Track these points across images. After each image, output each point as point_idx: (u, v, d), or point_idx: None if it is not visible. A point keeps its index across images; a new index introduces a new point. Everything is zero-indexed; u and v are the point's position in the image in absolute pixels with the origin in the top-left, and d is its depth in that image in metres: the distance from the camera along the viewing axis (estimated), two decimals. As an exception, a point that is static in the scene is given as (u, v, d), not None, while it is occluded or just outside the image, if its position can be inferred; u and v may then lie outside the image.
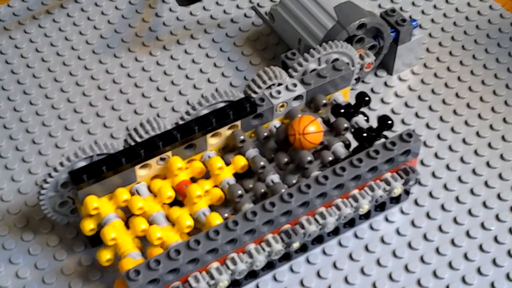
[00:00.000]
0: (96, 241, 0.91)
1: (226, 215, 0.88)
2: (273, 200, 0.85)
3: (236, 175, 0.92)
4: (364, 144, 0.93)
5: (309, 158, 0.90)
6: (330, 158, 0.91)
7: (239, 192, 0.88)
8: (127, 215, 0.90)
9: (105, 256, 0.87)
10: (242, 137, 0.92)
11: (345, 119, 0.94)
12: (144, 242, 0.88)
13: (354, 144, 0.97)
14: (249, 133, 0.95)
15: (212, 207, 0.90)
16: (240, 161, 0.91)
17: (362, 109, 1.01)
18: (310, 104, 0.97)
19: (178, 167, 0.89)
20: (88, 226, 0.88)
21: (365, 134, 0.93)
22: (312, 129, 0.90)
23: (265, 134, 0.94)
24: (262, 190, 0.89)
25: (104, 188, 0.88)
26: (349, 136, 0.97)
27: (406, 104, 1.08)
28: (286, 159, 0.91)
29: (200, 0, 1.14)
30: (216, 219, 0.86)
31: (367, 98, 0.96)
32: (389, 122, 0.94)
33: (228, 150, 0.94)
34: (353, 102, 1.00)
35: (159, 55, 1.15)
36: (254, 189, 0.90)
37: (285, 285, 0.90)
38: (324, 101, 0.96)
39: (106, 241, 0.85)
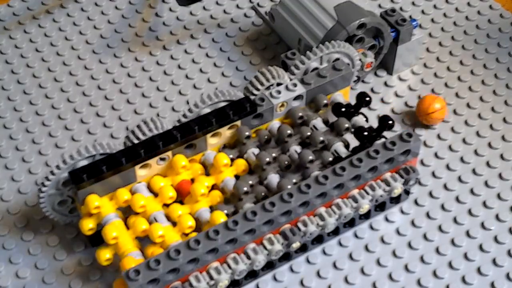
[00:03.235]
0: (96, 241, 0.91)
1: (225, 211, 0.88)
2: (273, 200, 0.85)
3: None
4: (365, 144, 0.93)
5: (310, 158, 0.90)
6: (330, 159, 0.91)
7: (245, 189, 0.88)
8: (126, 215, 0.90)
9: (105, 255, 0.87)
10: (247, 133, 0.92)
11: (346, 119, 0.94)
12: (142, 242, 0.88)
13: (353, 144, 0.96)
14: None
15: (211, 207, 0.90)
16: (241, 164, 0.91)
17: (362, 110, 1.01)
18: (311, 104, 0.97)
19: (182, 165, 0.89)
20: (87, 225, 0.88)
21: (365, 133, 0.93)
22: (437, 106, 1.01)
23: (266, 137, 0.94)
24: (263, 194, 0.89)
25: (104, 188, 0.88)
26: (348, 136, 0.97)
27: (406, 104, 1.08)
28: (287, 162, 0.91)
29: (200, 0, 1.14)
30: (220, 217, 0.86)
31: (367, 98, 0.96)
32: (390, 122, 0.94)
33: (228, 147, 0.94)
34: (353, 102, 1.00)
35: (159, 55, 1.15)
36: (255, 189, 0.90)
37: (285, 285, 0.90)
38: (325, 101, 0.96)
39: (108, 240, 0.85)
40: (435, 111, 1.02)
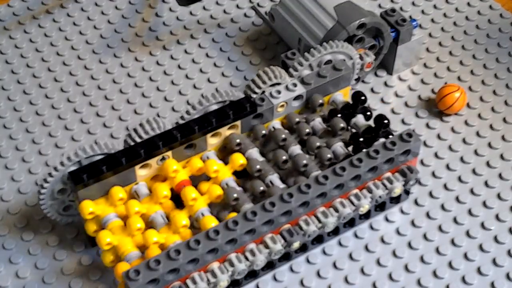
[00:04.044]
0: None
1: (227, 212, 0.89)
2: (273, 200, 0.85)
3: (239, 173, 0.92)
4: (360, 145, 0.93)
5: (304, 162, 0.90)
6: (329, 155, 0.91)
7: (235, 195, 0.88)
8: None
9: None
10: (238, 141, 0.92)
11: (342, 119, 0.94)
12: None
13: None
14: (249, 132, 0.95)
15: (213, 207, 0.90)
16: (238, 159, 0.91)
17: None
18: (308, 105, 0.97)
19: (173, 170, 0.89)
20: (92, 227, 0.88)
21: (361, 139, 0.93)
22: (455, 105, 1.04)
23: (263, 132, 0.94)
24: (261, 188, 0.89)
25: (103, 188, 0.88)
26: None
27: (406, 104, 1.08)
28: (284, 157, 0.91)
29: (200, 0, 1.14)
30: (211, 222, 0.86)
31: (363, 98, 0.96)
32: (385, 121, 0.94)
33: (227, 152, 0.94)
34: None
35: (159, 55, 1.15)
36: (253, 188, 0.90)
37: (285, 285, 0.90)
38: (321, 101, 0.96)
39: (102, 246, 0.85)
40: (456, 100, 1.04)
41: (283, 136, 0.93)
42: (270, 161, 0.93)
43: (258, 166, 0.90)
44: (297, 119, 0.95)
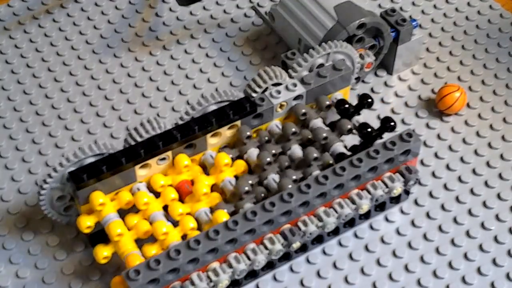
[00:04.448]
0: (96, 240, 0.91)
1: (225, 211, 0.88)
2: (273, 200, 0.85)
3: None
4: (367, 143, 0.93)
5: (315, 155, 0.90)
6: (331, 162, 0.91)
7: (246, 188, 0.88)
8: (122, 216, 0.90)
9: (102, 253, 0.86)
10: (248, 133, 0.92)
11: (348, 120, 0.94)
12: (138, 244, 0.88)
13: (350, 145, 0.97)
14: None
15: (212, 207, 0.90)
16: (241, 165, 0.91)
17: (363, 111, 1.01)
18: (312, 105, 0.97)
19: (184, 165, 0.89)
20: (85, 223, 0.87)
21: (369, 129, 0.93)
22: (455, 105, 1.04)
23: (266, 137, 0.94)
24: (263, 195, 0.89)
25: (103, 188, 0.88)
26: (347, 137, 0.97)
27: (406, 104, 1.08)
28: (287, 163, 0.91)
29: (200, 0, 1.14)
30: (223, 217, 0.86)
31: (369, 100, 0.96)
32: (392, 123, 0.94)
33: (228, 147, 0.94)
34: (354, 102, 1.00)
35: (159, 55, 1.15)
36: (255, 190, 0.90)
37: (285, 285, 0.90)
38: (328, 103, 0.96)
39: (112, 236, 0.85)
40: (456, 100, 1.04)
41: (293, 129, 0.93)
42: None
43: (268, 159, 0.90)
44: (304, 110, 0.94)
